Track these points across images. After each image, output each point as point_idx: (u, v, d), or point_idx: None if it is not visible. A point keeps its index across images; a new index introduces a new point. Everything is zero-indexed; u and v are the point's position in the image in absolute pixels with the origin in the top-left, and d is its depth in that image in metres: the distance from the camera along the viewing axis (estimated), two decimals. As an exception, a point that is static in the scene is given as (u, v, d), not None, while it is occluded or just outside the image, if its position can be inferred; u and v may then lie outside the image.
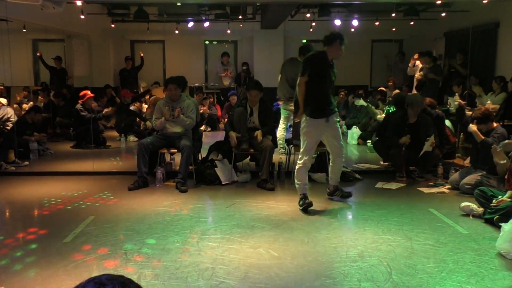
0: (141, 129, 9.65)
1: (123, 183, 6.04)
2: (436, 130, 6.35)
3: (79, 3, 7.66)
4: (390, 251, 3.91)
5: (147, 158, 5.97)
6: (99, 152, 8.16)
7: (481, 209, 4.70)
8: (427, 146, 6.14)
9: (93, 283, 1.15)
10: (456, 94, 8.20)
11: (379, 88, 10.57)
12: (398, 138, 6.28)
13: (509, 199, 4.44)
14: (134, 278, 1.21)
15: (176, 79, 6.34)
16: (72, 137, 8.91)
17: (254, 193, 5.71)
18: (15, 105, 9.49)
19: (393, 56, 12.52)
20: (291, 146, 6.50)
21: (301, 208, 5.00)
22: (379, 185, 6.09)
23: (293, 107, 5.86)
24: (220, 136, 7.92)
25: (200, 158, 6.74)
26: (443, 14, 10.12)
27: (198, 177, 6.15)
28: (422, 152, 6.17)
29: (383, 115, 8.63)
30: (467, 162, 6.35)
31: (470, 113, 6.32)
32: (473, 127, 5.56)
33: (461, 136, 7.22)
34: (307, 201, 4.98)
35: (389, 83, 10.92)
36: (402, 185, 6.08)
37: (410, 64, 10.40)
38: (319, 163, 6.44)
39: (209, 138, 8.84)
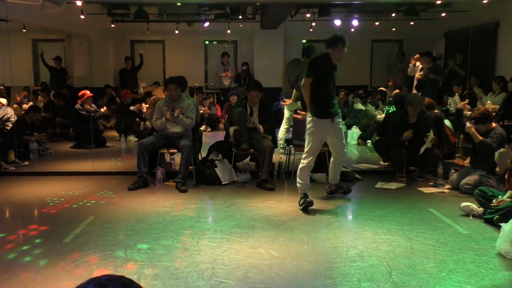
0: (141, 129, 9.65)
1: (123, 183, 6.04)
2: (435, 130, 6.35)
3: (79, 3, 7.66)
4: (390, 251, 3.91)
5: (147, 158, 5.97)
6: (99, 152, 8.15)
7: (481, 209, 4.70)
8: (427, 143, 6.14)
9: (94, 284, 1.15)
10: (456, 94, 8.21)
11: (379, 88, 10.57)
12: (399, 137, 6.27)
13: (509, 199, 4.44)
14: (134, 278, 1.21)
15: (176, 79, 6.34)
16: (72, 137, 8.91)
17: (254, 193, 5.71)
18: (15, 105, 9.49)
19: (393, 56, 12.52)
20: (291, 146, 6.50)
21: (301, 207, 5.00)
22: (379, 185, 6.09)
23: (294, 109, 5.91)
24: (220, 136, 7.92)
25: (200, 158, 6.74)
26: (443, 14, 10.12)
27: (198, 177, 6.15)
28: (423, 150, 6.17)
29: (383, 115, 8.63)
30: (467, 162, 6.35)
31: (470, 113, 6.32)
32: (470, 128, 5.57)
33: (461, 136, 7.22)
34: (307, 199, 4.99)
35: (389, 83, 10.91)
36: (402, 185, 6.08)
37: (410, 65, 10.40)
38: (319, 163, 6.42)
39: (209, 138, 8.84)
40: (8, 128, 7.44)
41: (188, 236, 4.27)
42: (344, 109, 9.72)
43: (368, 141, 8.32)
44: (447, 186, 5.88)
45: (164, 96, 6.97)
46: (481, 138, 5.44)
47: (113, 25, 11.63)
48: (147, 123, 9.57)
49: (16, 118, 7.67)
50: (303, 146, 6.44)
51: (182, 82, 6.59)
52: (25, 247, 4.02)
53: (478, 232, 4.37)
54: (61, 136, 9.40)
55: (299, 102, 6.87)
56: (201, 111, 9.32)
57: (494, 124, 5.62)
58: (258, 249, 3.94)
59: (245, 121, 6.20)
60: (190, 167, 6.10)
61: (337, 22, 10.34)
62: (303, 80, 4.98)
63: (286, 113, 7.53)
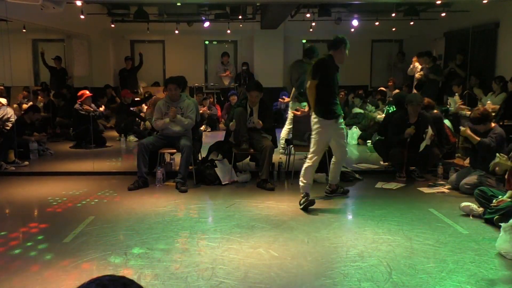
0: (141, 129, 9.65)
1: (123, 183, 6.04)
2: (435, 130, 6.34)
3: (79, 3, 7.66)
4: (390, 251, 3.91)
5: (147, 158, 5.97)
6: (99, 152, 8.15)
7: (481, 209, 4.70)
8: (427, 139, 6.14)
9: (95, 284, 1.15)
10: (456, 94, 8.20)
11: (379, 88, 10.57)
12: (401, 135, 6.27)
13: (509, 199, 4.44)
14: (134, 278, 1.21)
15: (176, 79, 6.34)
16: (72, 137, 8.91)
17: (254, 193, 5.71)
18: (15, 105, 9.49)
19: (393, 56, 12.53)
20: (291, 146, 6.50)
21: (302, 206, 5.00)
22: (379, 185, 6.09)
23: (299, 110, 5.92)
24: (220, 136, 7.92)
25: (200, 158, 6.74)
26: (443, 14, 10.12)
27: (198, 177, 6.15)
28: (423, 147, 6.17)
29: (383, 115, 8.63)
30: (467, 162, 6.35)
31: (469, 113, 6.32)
32: (466, 130, 5.59)
33: (461, 136, 7.21)
34: (309, 198, 5.02)
35: (389, 83, 10.92)
36: (402, 185, 6.08)
37: (411, 66, 10.42)
38: (319, 163, 6.42)
39: (209, 138, 8.84)
40: (8, 128, 7.44)
41: (188, 236, 4.27)
42: (345, 109, 9.73)
43: (368, 141, 8.32)
44: (447, 186, 5.88)
45: (164, 96, 6.97)
46: (479, 139, 5.45)
47: (113, 25, 11.63)
48: (147, 123, 9.57)
49: (16, 118, 7.67)
50: (303, 146, 6.48)
51: (182, 82, 6.59)
52: (25, 247, 4.02)
53: (478, 232, 4.37)
54: (61, 136, 9.41)
55: (304, 103, 6.88)
56: (201, 111, 9.32)
57: (493, 124, 5.63)
58: (258, 249, 3.94)
59: (245, 121, 6.20)
60: (190, 167, 6.09)
61: (338, 22, 10.36)
62: (309, 82, 5.06)
63: (290, 114, 7.54)
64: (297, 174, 6.34)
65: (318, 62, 5.11)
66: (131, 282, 1.19)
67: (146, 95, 11.02)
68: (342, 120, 5.36)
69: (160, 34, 12.24)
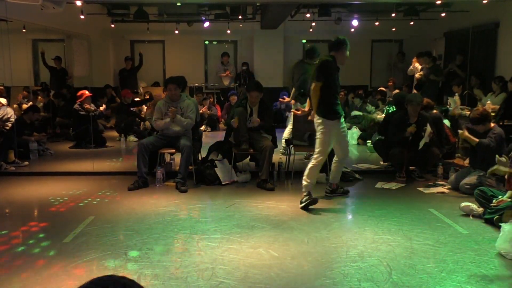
0: (141, 129, 9.65)
1: (123, 183, 6.04)
2: (435, 130, 6.35)
3: (79, 3, 7.66)
4: (390, 251, 3.91)
5: (147, 158, 5.97)
6: (99, 152, 8.15)
7: (481, 209, 4.70)
8: (425, 137, 6.15)
9: (95, 285, 1.15)
10: (456, 94, 8.20)
11: (379, 88, 10.57)
12: (402, 133, 6.27)
13: (509, 199, 4.44)
14: (134, 278, 1.21)
15: (176, 79, 6.34)
16: (72, 137, 8.90)
17: (254, 193, 5.71)
18: (15, 105, 9.49)
19: (393, 56, 12.52)
20: (291, 146, 6.50)
21: (303, 204, 5.01)
22: (379, 185, 6.09)
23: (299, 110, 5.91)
24: (220, 136, 7.92)
25: (200, 158, 6.74)
26: (443, 14, 10.13)
27: (198, 177, 6.15)
28: (421, 145, 6.17)
29: (383, 115, 8.63)
30: (467, 162, 6.35)
31: (469, 113, 6.32)
32: (464, 133, 5.60)
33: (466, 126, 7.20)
34: (312, 197, 5.05)
35: (389, 83, 10.92)
36: (402, 185, 6.09)
37: (411, 67, 10.42)
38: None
39: (209, 138, 8.84)
40: (8, 128, 7.44)
41: (188, 236, 4.27)
42: (345, 109, 9.74)
43: (368, 141, 8.32)
44: (447, 186, 5.88)
45: (164, 96, 6.97)
46: (477, 140, 5.45)
47: (113, 25, 11.64)
48: (147, 123, 9.57)
49: (15, 118, 7.67)
50: (303, 146, 6.48)
51: (182, 82, 6.59)
52: (24, 247, 4.02)
53: (478, 232, 4.37)
54: (61, 136, 9.40)
55: (304, 104, 6.88)
56: (201, 111, 9.32)
57: (492, 124, 5.63)
58: (258, 249, 3.95)
59: (245, 121, 6.20)
60: (190, 167, 6.09)
61: (338, 22, 10.36)
62: (313, 84, 5.07)
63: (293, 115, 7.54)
64: (297, 174, 6.36)
65: (322, 63, 5.11)
66: (132, 282, 1.18)
67: (147, 97, 11.02)
68: (343, 120, 5.37)
69: (160, 34, 12.23)
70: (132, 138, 9.23)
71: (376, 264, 3.64)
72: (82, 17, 8.44)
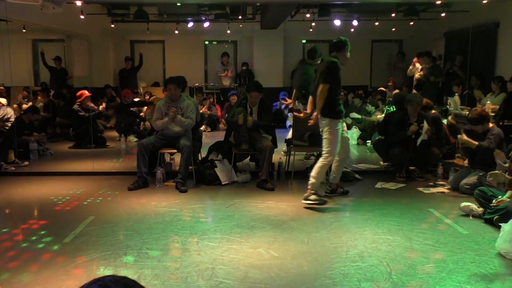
0: (141, 129, 9.65)
1: (123, 183, 6.04)
2: (434, 128, 6.35)
3: (79, 3, 7.66)
4: (390, 251, 3.91)
5: (147, 158, 5.97)
6: (99, 152, 8.15)
7: (481, 209, 4.70)
8: (423, 134, 6.14)
9: (97, 285, 1.15)
10: (456, 94, 8.21)
11: (379, 88, 10.57)
12: (403, 133, 6.27)
13: (509, 199, 4.44)
14: (134, 278, 1.21)
15: (176, 79, 6.34)
16: (72, 137, 8.90)
17: (254, 193, 5.71)
18: (15, 106, 9.49)
19: (393, 56, 12.52)
20: (291, 146, 6.50)
21: (311, 202, 5.05)
22: (379, 185, 6.09)
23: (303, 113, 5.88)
24: (220, 136, 7.92)
25: (200, 158, 6.74)
26: (443, 14, 10.13)
27: (198, 177, 6.15)
28: (419, 142, 6.16)
29: (383, 115, 8.63)
30: (467, 162, 6.35)
31: (467, 112, 6.32)
32: (463, 137, 5.61)
33: (464, 127, 7.21)
34: (322, 198, 5.15)
35: (389, 83, 10.92)
36: (402, 185, 6.08)
37: (410, 67, 10.42)
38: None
39: (209, 138, 8.83)
40: (7, 128, 7.44)
41: (188, 236, 4.27)
42: (345, 109, 9.74)
43: (368, 141, 8.32)
44: (447, 186, 5.88)
45: (164, 96, 6.97)
46: (476, 143, 5.46)
47: (113, 25, 11.64)
48: (147, 123, 9.56)
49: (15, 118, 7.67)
50: (303, 146, 6.48)
51: (182, 82, 6.59)
52: (24, 248, 4.02)
53: (478, 232, 4.37)
54: (61, 136, 9.40)
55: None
56: (201, 112, 9.32)
57: (491, 125, 5.63)
58: (258, 249, 3.95)
59: (245, 121, 6.19)
60: (190, 167, 6.09)
61: (337, 22, 10.35)
62: (321, 85, 5.07)
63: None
64: (297, 174, 6.37)
65: (331, 65, 5.11)
66: (133, 282, 1.18)
67: (147, 97, 11.01)
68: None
69: (160, 34, 12.24)
70: (132, 138, 9.22)
71: (376, 264, 3.64)
72: (82, 17, 8.44)
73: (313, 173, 5.15)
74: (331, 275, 3.47)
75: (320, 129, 5.27)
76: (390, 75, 11.62)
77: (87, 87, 9.12)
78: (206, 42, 13.27)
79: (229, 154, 6.26)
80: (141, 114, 10.28)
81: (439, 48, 11.60)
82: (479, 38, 9.66)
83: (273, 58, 12.61)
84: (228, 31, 11.75)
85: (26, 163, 7.13)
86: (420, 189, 5.89)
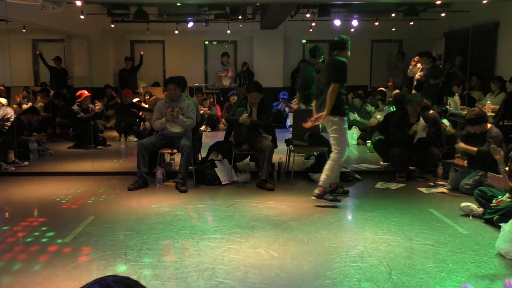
0: (141, 129, 9.64)
1: (123, 183, 6.04)
2: (433, 129, 6.35)
3: (79, 3, 7.66)
4: (390, 251, 3.91)
5: (147, 158, 5.97)
6: (99, 152, 8.15)
7: (481, 209, 4.70)
8: (420, 132, 6.13)
9: (99, 285, 1.15)
10: (456, 94, 8.21)
11: (379, 88, 10.56)
12: (404, 133, 6.27)
13: (509, 199, 4.44)
14: (134, 278, 1.21)
15: (176, 79, 6.34)
16: (72, 137, 8.90)
17: (254, 193, 5.71)
18: (15, 106, 9.49)
19: (393, 56, 12.52)
20: (291, 146, 6.50)
21: (327, 200, 5.13)
22: (379, 185, 6.09)
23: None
24: (220, 136, 7.92)
25: (200, 158, 6.74)
26: (443, 14, 10.13)
27: (198, 177, 6.15)
28: (415, 140, 6.16)
29: (379, 115, 8.63)
30: (466, 162, 6.35)
31: (465, 112, 6.32)
32: (461, 145, 5.63)
33: (462, 132, 7.21)
34: (337, 198, 5.26)
35: (389, 83, 10.92)
36: (402, 185, 6.09)
37: (410, 67, 10.42)
38: (319, 163, 6.44)
39: (209, 138, 8.84)
40: (6, 128, 7.43)
41: (188, 236, 4.27)
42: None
43: (368, 141, 8.32)
44: (447, 186, 5.88)
45: (164, 96, 6.97)
46: (476, 149, 5.47)
47: (113, 25, 11.64)
48: (147, 123, 9.56)
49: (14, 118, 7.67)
50: (303, 146, 6.48)
51: (182, 82, 6.58)
52: (24, 248, 4.02)
53: (478, 232, 4.37)
54: (61, 136, 9.40)
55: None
56: (201, 112, 9.31)
57: (489, 125, 5.63)
58: (258, 249, 3.95)
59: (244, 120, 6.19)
60: (190, 167, 6.09)
61: (337, 22, 10.35)
62: (333, 85, 5.08)
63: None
64: (297, 174, 6.37)
65: (342, 65, 5.14)
66: (136, 283, 1.18)
67: (147, 97, 11.01)
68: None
69: (160, 34, 12.24)
70: (132, 138, 9.22)
71: (376, 264, 3.65)
72: (82, 17, 8.44)
73: (327, 170, 5.18)
74: (331, 275, 3.47)
75: (328, 129, 5.26)
76: (390, 75, 11.62)
77: (87, 87, 9.12)
78: (206, 42, 13.28)
79: (229, 154, 6.26)
80: (140, 113, 10.27)
81: (439, 48, 11.60)
82: (479, 38, 9.66)
83: (273, 58, 12.61)
84: (228, 31, 11.75)
85: (26, 163, 7.13)
86: (420, 189, 5.88)
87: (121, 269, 3.56)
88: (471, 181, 5.50)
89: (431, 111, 6.88)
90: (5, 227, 4.57)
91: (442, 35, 11.47)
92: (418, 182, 6.21)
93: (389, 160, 6.67)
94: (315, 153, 6.89)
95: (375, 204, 5.27)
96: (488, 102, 7.43)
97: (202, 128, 9.84)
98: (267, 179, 5.89)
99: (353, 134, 9.01)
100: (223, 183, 6.04)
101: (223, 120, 10.72)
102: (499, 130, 5.63)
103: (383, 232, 4.36)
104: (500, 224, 4.03)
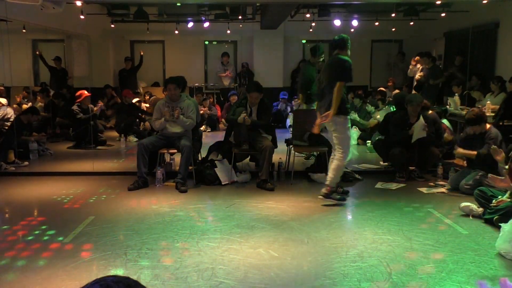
0: (141, 129, 9.64)
1: (123, 183, 6.04)
2: (433, 129, 6.35)
3: (79, 3, 7.66)
4: (390, 251, 3.91)
5: (146, 158, 5.97)
6: (99, 152, 8.16)
7: (481, 209, 4.70)
8: (421, 132, 6.12)
9: (99, 285, 1.15)
10: (456, 94, 8.21)
11: (379, 88, 10.57)
12: (404, 133, 6.27)
13: (509, 199, 4.44)
14: (134, 278, 1.21)
15: (176, 79, 6.34)
16: (72, 137, 8.90)
17: (254, 193, 5.71)
18: (15, 106, 9.49)
19: (393, 56, 12.52)
20: (291, 146, 6.49)
21: (334, 200, 5.17)
22: (379, 185, 6.09)
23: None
24: (220, 136, 7.92)
25: (200, 159, 6.74)
26: (443, 14, 10.13)
27: (198, 177, 6.15)
28: (414, 139, 6.14)
29: (382, 115, 8.62)
30: (466, 163, 6.35)
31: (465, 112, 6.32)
32: (460, 151, 5.64)
33: (461, 134, 7.21)
34: (344, 197, 5.32)
35: (389, 83, 10.92)
36: (402, 185, 6.09)
37: (410, 66, 10.41)
38: (319, 163, 6.44)
39: (209, 138, 8.84)
40: (6, 128, 7.43)
41: (188, 236, 4.27)
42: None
43: (368, 141, 8.32)
44: (447, 186, 5.88)
45: (164, 97, 6.97)
46: (475, 152, 5.48)
47: (113, 25, 11.64)
48: (147, 123, 9.56)
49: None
50: (303, 146, 6.48)
51: (182, 82, 6.58)
52: (24, 247, 4.02)
53: (478, 232, 4.37)
54: (61, 136, 9.40)
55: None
56: (201, 112, 9.31)
57: (488, 125, 5.63)
58: (258, 249, 3.95)
59: (245, 120, 6.19)
60: (190, 167, 6.09)
61: (337, 22, 10.35)
62: (338, 83, 5.10)
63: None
64: (297, 174, 6.37)
65: (348, 64, 5.17)
66: (136, 283, 1.18)
67: (147, 97, 11.01)
68: None
69: (160, 34, 12.23)
70: (132, 138, 9.22)
71: (376, 264, 3.64)
72: (82, 17, 8.45)
73: (331, 172, 5.20)
74: (331, 275, 3.47)
75: (331, 128, 5.26)
76: (390, 75, 11.62)
77: (87, 87, 9.13)
78: (206, 42, 13.28)
79: (229, 154, 6.26)
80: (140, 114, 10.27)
81: (439, 48, 11.60)
82: (479, 38, 9.66)
83: (273, 58, 12.61)
84: (228, 31, 11.75)
85: (26, 163, 7.13)
86: (420, 189, 5.88)
87: (121, 269, 3.56)
88: (471, 181, 5.50)
89: (430, 111, 6.88)
90: (5, 227, 4.57)
91: (442, 35, 11.47)
92: (418, 182, 6.21)
93: (389, 160, 6.67)
94: (315, 153, 6.89)
95: (375, 204, 5.27)
96: (488, 102, 7.44)
97: (202, 128, 9.84)
98: (267, 179, 5.89)
99: (353, 134, 9.00)
100: (223, 183, 6.04)
101: (223, 120, 10.72)
102: (498, 131, 5.63)
103: (383, 232, 4.36)
104: (500, 224, 4.03)
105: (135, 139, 9.05)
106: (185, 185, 5.82)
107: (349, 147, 5.28)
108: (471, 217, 4.73)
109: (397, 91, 10.09)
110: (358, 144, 8.97)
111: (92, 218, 4.76)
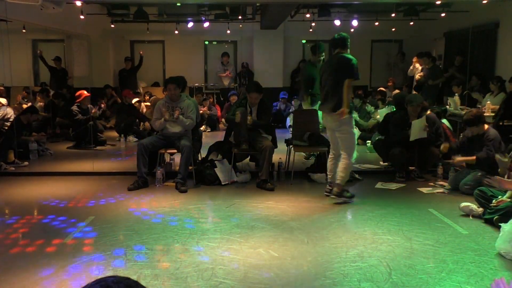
0: (141, 129, 9.64)
1: (123, 183, 6.04)
2: (433, 129, 6.34)
3: (79, 3, 7.66)
4: (390, 251, 3.91)
5: (146, 158, 5.97)
6: (99, 152, 8.15)
7: (481, 209, 4.70)
8: (421, 131, 6.10)
9: (100, 285, 1.14)
10: (456, 94, 8.21)
11: (379, 88, 10.57)
12: (403, 133, 6.27)
13: (509, 199, 4.44)
14: (134, 278, 1.21)
15: (176, 79, 6.34)
16: (72, 137, 8.90)
17: (254, 193, 5.71)
18: (15, 105, 9.48)
19: (393, 56, 12.52)
20: (291, 146, 6.49)
21: (342, 199, 5.23)
22: (379, 185, 6.09)
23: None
24: (220, 136, 7.92)
25: (199, 159, 6.73)
26: (443, 14, 10.13)
27: (197, 177, 6.15)
28: (413, 137, 6.13)
29: (382, 114, 8.61)
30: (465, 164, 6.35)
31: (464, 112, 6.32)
32: (458, 159, 5.68)
33: (461, 136, 7.21)
34: (352, 197, 5.35)
35: (389, 83, 10.92)
36: (402, 185, 6.09)
37: (411, 67, 10.42)
38: (319, 163, 6.44)
39: (209, 138, 8.83)
40: (6, 128, 7.42)
41: (188, 236, 4.27)
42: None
43: (368, 141, 8.32)
44: (447, 187, 5.88)
45: (164, 97, 6.97)
46: (474, 157, 5.49)
47: (113, 25, 11.64)
48: (147, 123, 9.56)
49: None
50: (303, 146, 6.48)
51: (182, 82, 6.58)
52: (24, 248, 4.02)
53: (478, 232, 4.37)
54: (61, 136, 9.39)
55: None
56: (201, 112, 9.31)
57: (486, 126, 5.63)
58: (258, 249, 3.95)
59: (246, 120, 6.19)
60: (190, 167, 6.09)
61: (337, 22, 10.35)
62: (347, 81, 5.19)
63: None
64: (297, 174, 6.37)
65: (356, 62, 5.21)
66: (136, 283, 1.18)
67: (147, 97, 11.00)
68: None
69: (160, 34, 12.24)
70: (132, 138, 9.22)
71: (376, 264, 3.65)
72: (82, 17, 8.45)
73: (340, 172, 5.21)
74: (331, 275, 3.47)
75: (337, 127, 5.26)
76: (390, 75, 11.62)
77: (87, 87, 9.12)
78: (206, 42, 13.28)
79: (229, 154, 6.26)
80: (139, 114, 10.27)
81: (439, 48, 11.60)
82: (479, 38, 9.66)
83: (273, 58, 12.61)
84: (228, 31, 11.75)
85: (26, 163, 7.13)
86: (420, 189, 5.88)
87: (121, 269, 3.56)
88: (471, 181, 5.50)
89: (428, 112, 6.88)
90: (5, 226, 4.56)
91: (442, 35, 11.47)
92: (418, 182, 6.21)
93: (389, 160, 6.67)
94: (315, 153, 6.89)
95: (375, 204, 5.27)
96: (488, 102, 7.44)
97: (202, 128, 9.84)
98: (267, 179, 5.89)
99: (353, 134, 9.00)
100: (223, 183, 6.04)
101: (223, 120, 10.71)
102: (497, 131, 5.63)
103: (383, 232, 4.36)
104: (500, 224, 4.03)
105: (135, 139, 9.05)
106: (185, 185, 5.82)
107: (355, 145, 5.31)
108: (471, 217, 4.73)
109: (397, 91, 10.09)
110: (358, 144, 8.93)
111: (92, 218, 4.76)
